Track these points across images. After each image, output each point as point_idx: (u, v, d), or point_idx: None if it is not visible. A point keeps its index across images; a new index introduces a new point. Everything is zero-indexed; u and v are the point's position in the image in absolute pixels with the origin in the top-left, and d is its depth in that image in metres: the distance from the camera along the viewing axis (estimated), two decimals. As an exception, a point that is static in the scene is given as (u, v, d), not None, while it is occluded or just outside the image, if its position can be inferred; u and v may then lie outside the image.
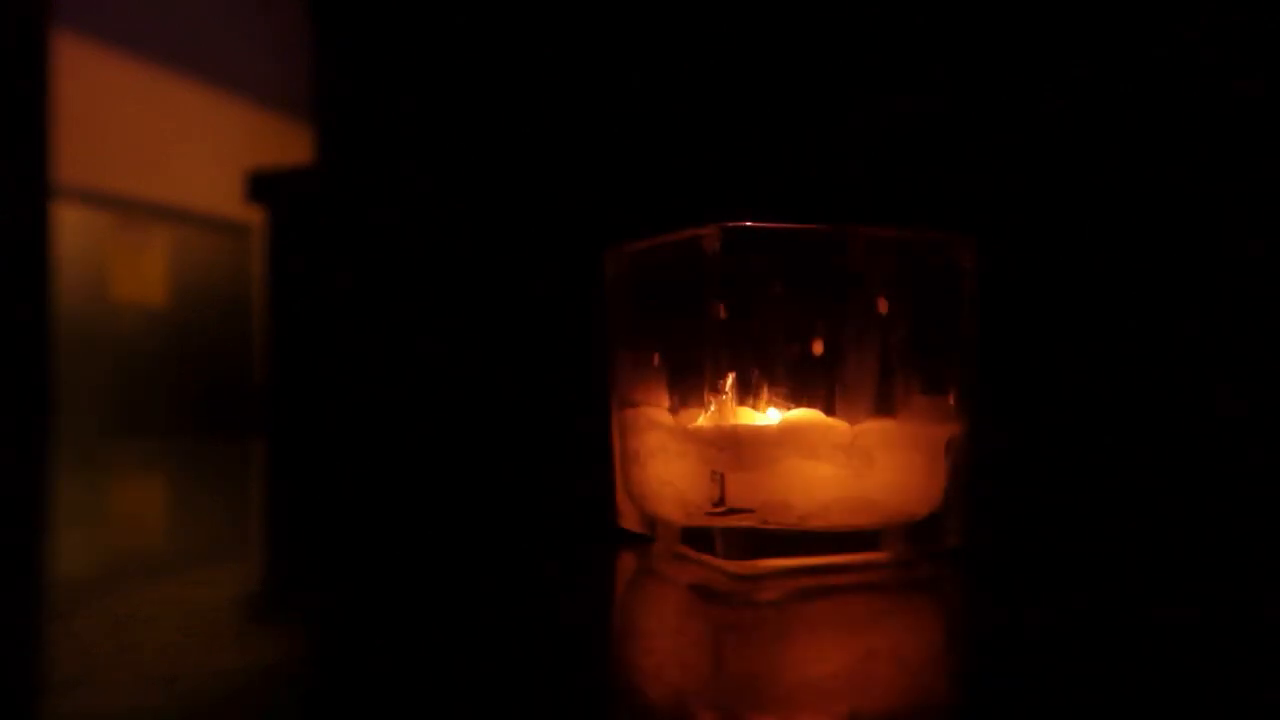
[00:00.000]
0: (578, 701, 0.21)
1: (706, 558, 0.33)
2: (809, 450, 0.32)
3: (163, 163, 2.84)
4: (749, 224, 0.32)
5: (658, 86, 0.85)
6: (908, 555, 0.34)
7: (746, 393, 0.32)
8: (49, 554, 0.43)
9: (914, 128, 0.73)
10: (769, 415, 0.32)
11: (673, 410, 0.35)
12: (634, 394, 0.38)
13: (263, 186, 1.11)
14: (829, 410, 0.33)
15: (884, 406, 0.34)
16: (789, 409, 0.33)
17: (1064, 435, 0.67)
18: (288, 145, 2.65)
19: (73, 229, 2.37)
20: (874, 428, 0.33)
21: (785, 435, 0.32)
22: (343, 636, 0.27)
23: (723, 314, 0.32)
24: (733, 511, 0.32)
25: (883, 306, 0.34)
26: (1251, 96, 0.63)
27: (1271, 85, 0.63)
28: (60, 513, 0.57)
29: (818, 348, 0.33)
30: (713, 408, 0.32)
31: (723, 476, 0.32)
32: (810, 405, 0.33)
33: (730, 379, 0.32)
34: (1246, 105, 0.64)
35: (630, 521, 0.38)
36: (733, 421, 0.32)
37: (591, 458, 0.46)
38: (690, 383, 0.34)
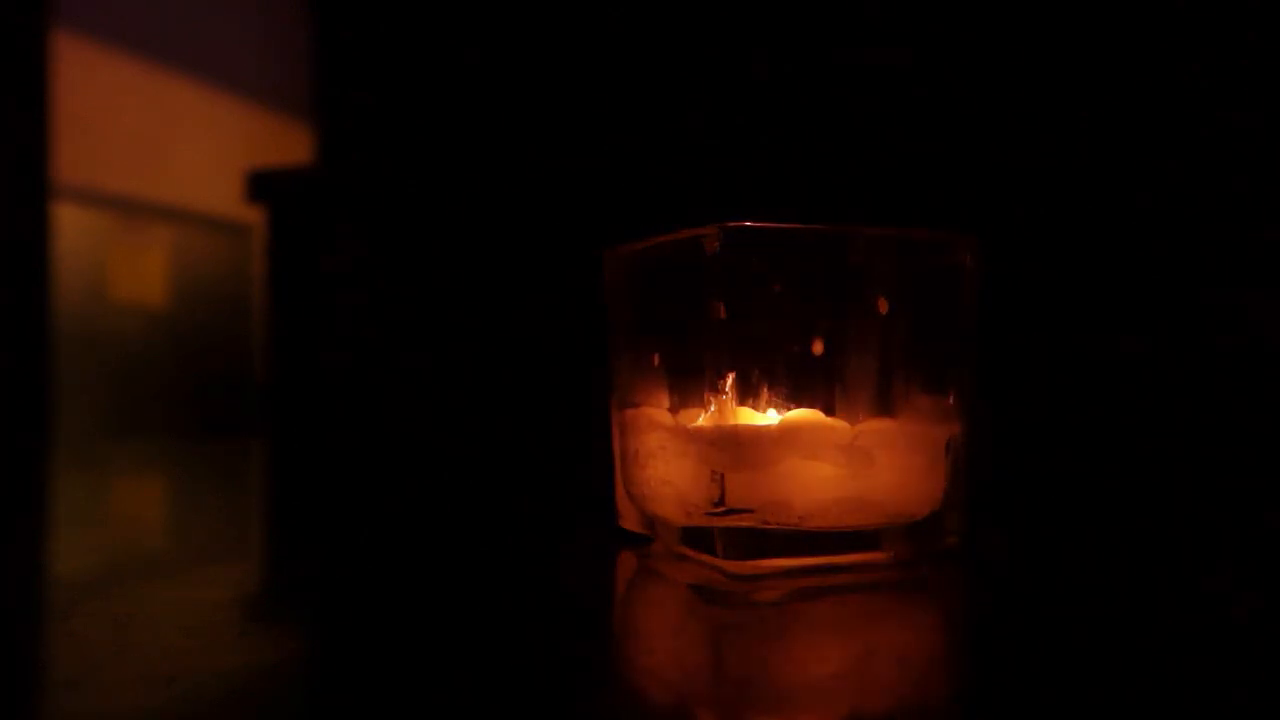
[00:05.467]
0: (578, 701, 0.21)
1: (706, 558, 0.33)
2: (809, 450, 0.32)
3: (163, 163, 2.84)
4: (749, 224, 0.32)
5: (658, 87, 0.85)
6: (908, 555, 0.34)
7: (746, 393, 0.32)
8: (49, 554, 0.43)
9: (915, 127, 0.73)
10: (770, 415, 0.32)
11: (673, 410, 0.35)
12: (634, 394, 0.38)
13: (263, 186, 1.11)
14: (829, 410, 0.33)
15: (884, 406, 0.34)
16: (789, 409, 0.33)
17: (1064, 435, 0.67)
18: (288, 145, 2.65)
19: (73, 229, 2.37)
20: (874, 428, 0.33)
21: (785, 435, 0.32)
22: (343, 636, 0.27)
23: (723, 314, 0.32)
24: (733, 511, 0.32)
25: (883, 306, 0.34)
26: (1254, 92, 0.63)
27: (1272, 82, 0.63)
28: (60, 513, 0.57)
29: (818, 348, 0.33)
30: (713, 408, 0.32)
31: (723, 476, 0.32)
32: (810, 405, 0.33)
33: (730, 379, 0.32)
34: (1250, 101, 0.64)
35: (630, 521, 0.38)
36: (733, 421, 0.32)
37: (591, 458, 0.46)
38: (690, 383, 0.34)
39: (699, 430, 0.33)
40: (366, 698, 0.21)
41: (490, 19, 0.94)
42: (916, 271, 0.35)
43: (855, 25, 0.76)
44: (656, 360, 0.36)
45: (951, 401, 0.35)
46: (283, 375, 1.09)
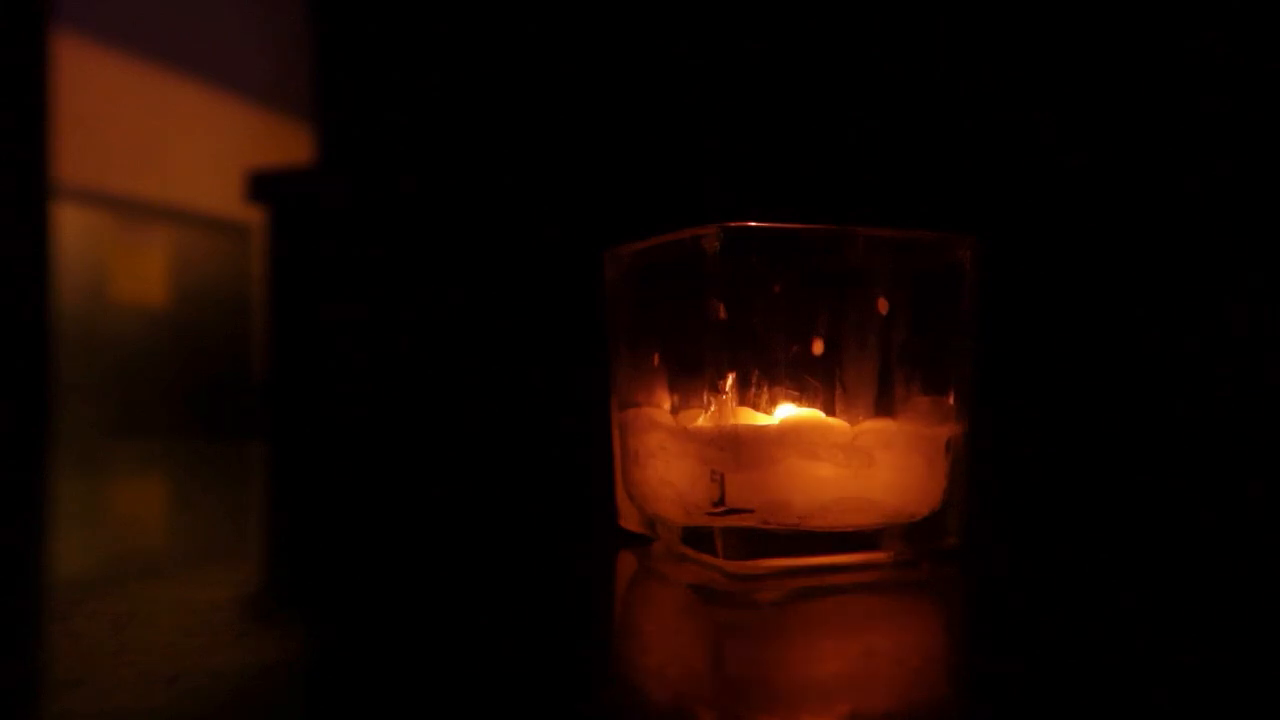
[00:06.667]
0: (578, 701, 0.21)
1: (706, 558, 0.33)
2: (809, 450, 0.32)
3: (163, 163, 2.84)
4: (749, 224, 0.32)
5: (658, 86, 0.85)
6: (908, 555, 0.34)
7: (746, 393, 0.32)
8: (49, 554, 0.43)
9: (915, 127, 0.73)
10: (776, 414, 0.32)
11: (673, 410, 0.35)
12: (634, 394, 0.38)
13: (263, 186, 1.11)
14: (829, 410, 0.33)
15: (884, 406, 0.34)
16: (789, 409, 0.33)
17: (1064, 435, 0.67)
18: (288, 145, 2.65)
19: (73, 229, 2.37)
20: (874, 428, 0.33)
21: (785, 435, 0.32)
22: (343, 636, 0.27)
23: (723, 314, 0.32)
24: (733, 511, 0.32)
25: (883, 306, 0.34)
26: (1254, 92, 0.63)
27: (1273, 81, 0.63)
28: (60, 513, 0.57)
29: (818, 348, 0.33)
30: (713, 408, 0.32)
31: (723, 476, 0.32)
32: (810, 405, 0.33)
33: (730, 379, 0.32)
34: (1249, 100, 0.64)
35: (630, 521, 0.38)
36: (733, 421, 0.32)
37: (591, 458, 0.46)
38: (690, 383, 0.34)
39: (699, 430, 0.33)
40: (366, 698, 0.21)
41: (490, 19, 0.94)
42: (916, 271, 0.35)
43: (856, 26, 0.76)
44: (656, 360, 0.36)
45: (951, 401, 0.35)
46: (283, 375, 1.09)
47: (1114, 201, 0.67)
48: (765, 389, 0.32)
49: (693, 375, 0.34)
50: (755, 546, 0.32)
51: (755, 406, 0.32)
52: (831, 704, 0.21)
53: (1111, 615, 0.29)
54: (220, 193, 2.72)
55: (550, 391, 0.88)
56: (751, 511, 0.32)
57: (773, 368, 0.33)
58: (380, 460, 0.82)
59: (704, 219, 0.32)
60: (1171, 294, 0.65)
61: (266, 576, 0.39)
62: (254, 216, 1.84)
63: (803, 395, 0.33)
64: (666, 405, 0.36)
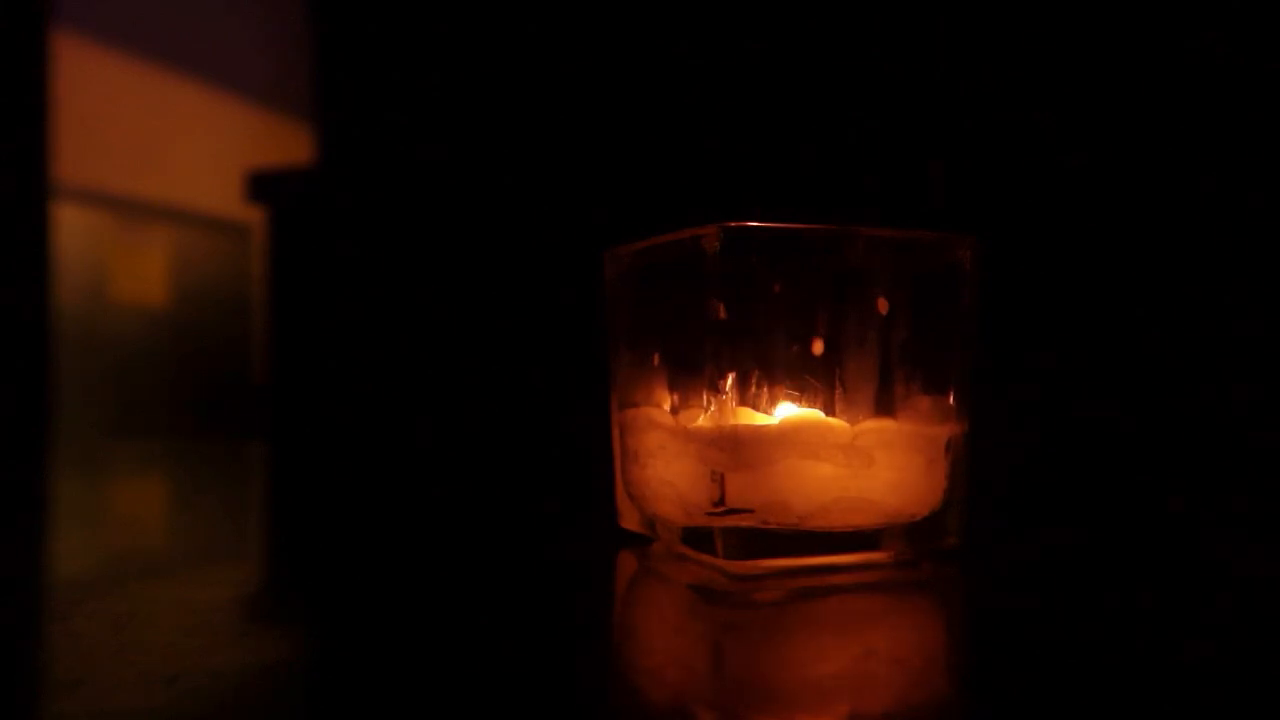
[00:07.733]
0: (578, 701, 0.21)
1: (706, 558, 0.33)
2: (809, 450, 0.32)
3: (163, 163, 2.84)
4: (749, 224, 0.32)
5: (658, 86, 0.85)
6: (908, 555, 0.34)
7: (746, 393, 0.32)
8: (49, 554, 0.43)
9: (914, 126, 0.73)
10: (776, 414, 0.33)
11: (673, 410, 0.35)
12: (634, 394, 0.38)
13: (263, 186, 1.11)
14: (829, 410, 0.33)
15: (884, 406, 0.34)
16: (789, 409, 0.33)
17: (1064, 435, 0.67)
18: (288, 145, 2.65)
19: (73, 229, 2.37)
20: (874, 428, 0.33)
21: (785, 435, 0.32)
22: (343, 636, 0.27)
23: (723, 314, 0.32)
24: (733, 511, 0.32)
25: (883, 306, 0.34)
26: (1254, 92, 0.63)
27: (1273, 81, 0.63)
28: (60, 513, 0.57)
29: (818, 348, 0.33)
30: (713, 408, 0.32)
31: (723, 476, 0.32)
32: (810, 405, 0.33)
33: (730, 379, 0.32)
34: (1249, 100, 0.64)
35: (630, 521, 0.38)
36: (733, 421, 0.32)
37: (591, 458, 0.46)
38: (690, 383, 0.34)
39: (699, 430, 0.33)
40: (366, 698, 0.21)
41: (491, 19, 0.94)
42: (916, 271, 0.35)
43: (856, 26, 0.76)
44: (656, 360, 0.36)
45: (951, 401, 0.35)
46: (282, 375, 1.09)
47: (1114, 201, 0.67)
48: (765, 389, 0.32)
49: (693, 375, 0.34)
50: (755, 546, 0.32)
51: (755, 406, 0.32)
52: (831, 704, 0.21)
53: (1111, 615, 0.29)
54: (220, 193, 2.72)
55: (550, 391, 0.88)
56: (751, 511, 0.32)
57: (773, 368, 0.33)
58: (380, 460, 0.82)
59: (704, 219, 0.32)
60: (1172, 294, 0.65)
61: (266, 576, 0.39)
62: (254, 216, 1.84)
63: (803, 395, 0.33)
64: (666, 405, 0.36)
